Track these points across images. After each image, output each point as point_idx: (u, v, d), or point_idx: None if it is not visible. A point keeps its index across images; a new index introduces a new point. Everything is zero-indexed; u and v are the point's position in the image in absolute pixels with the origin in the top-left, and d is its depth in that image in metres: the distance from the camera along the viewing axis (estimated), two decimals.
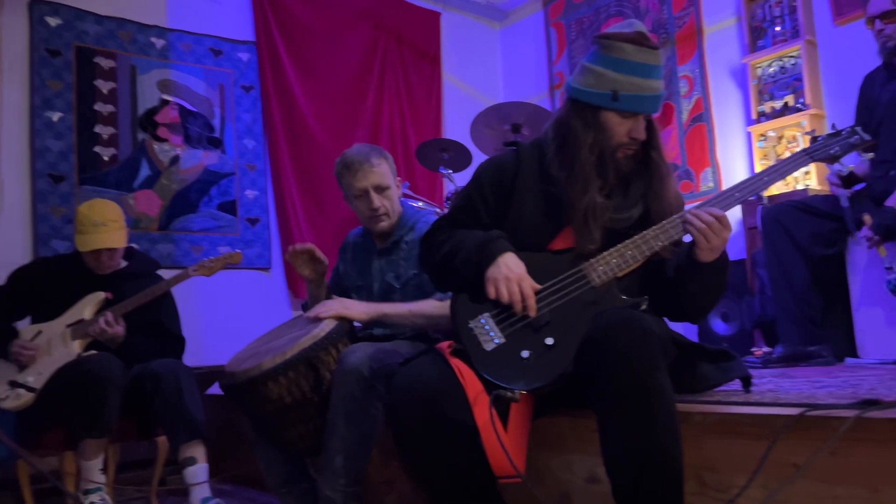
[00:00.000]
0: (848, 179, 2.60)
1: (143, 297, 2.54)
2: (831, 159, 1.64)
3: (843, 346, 2.69)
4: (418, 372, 1.51)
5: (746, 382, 1.67)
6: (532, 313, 1.52)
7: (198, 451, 2.36)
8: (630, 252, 1.55)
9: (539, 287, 1.55)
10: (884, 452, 1.16)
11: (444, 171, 3.28)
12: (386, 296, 2.12)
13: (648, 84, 1.57)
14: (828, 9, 3.69)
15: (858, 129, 1.66)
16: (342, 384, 1.83)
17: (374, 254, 2.20)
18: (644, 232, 1.57)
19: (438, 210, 3.43)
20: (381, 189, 2.11)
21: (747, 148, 4.07)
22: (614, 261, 1.55)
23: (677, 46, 4.58)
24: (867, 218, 2.47)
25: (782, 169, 1.62)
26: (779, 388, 1.72)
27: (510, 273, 1.54)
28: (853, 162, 2.49)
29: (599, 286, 1.54)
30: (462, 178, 3.56)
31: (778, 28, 3.96)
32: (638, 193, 1.64)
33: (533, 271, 1.56)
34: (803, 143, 3.74)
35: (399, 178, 2.22)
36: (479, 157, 3.48)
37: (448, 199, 3.52)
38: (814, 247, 2.66)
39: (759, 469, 1.26)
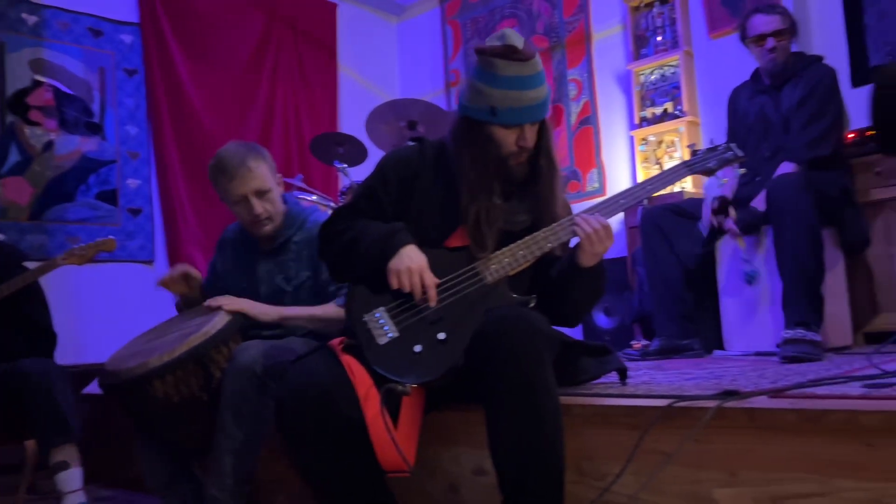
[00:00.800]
0: (722, 207, 2.75)
1: (5, 289, 2.37)
2: (708, 172, 1.77)
3: (711, 339, 2.90)
4: (308, 369, 1.51)
5: (622, 375, 1.78)
6: (433, 303, 1.55)
7: (70, 455, 2.23)
8: (522, 252, 1.61)
9: (438, 281, 1.59)
10: (741, 438, 1.27)
11: (338, 166, 3.26)
12: (275, 299, 2.06)
13: (524, 95, 1.58)
14: (703, 23, 3.94)
15: (733, 145, 1.81)
16: (233, 382, 1.79)
17: (259, 254, 2.13)
18: (535, 234, 1.63)
19: (333, 204, 3.40)
20: (261, 193, 2.02)
21: (630, 151, 4.29)
22: (507, 260, 1.61)
23: (567, 51, 4.75)
24: (732, 212, 2.67)
25: (664, 179, 1.73)
26: (652, 380, 1.84)
27: (412, 264, 1.56)
28: (726, 175, 2.66)
29: (492, 284, 1.59)
30: (357, 173, 3.56)
31: (659, 38, 4.19)
32: (529, 198, 1.70)
33: (430, 267, 1.59)
34: (681, 147, 3.99)
35: (279, 176, 2.13)
36: (374, 152, 3.49)
37: (343, 193, 3.50)
38: (687, 247, 2.85)
39: (632, 457, 1.35)
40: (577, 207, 4.56)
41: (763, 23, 2.78)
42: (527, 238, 1.63)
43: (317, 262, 2.03)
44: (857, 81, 3.46)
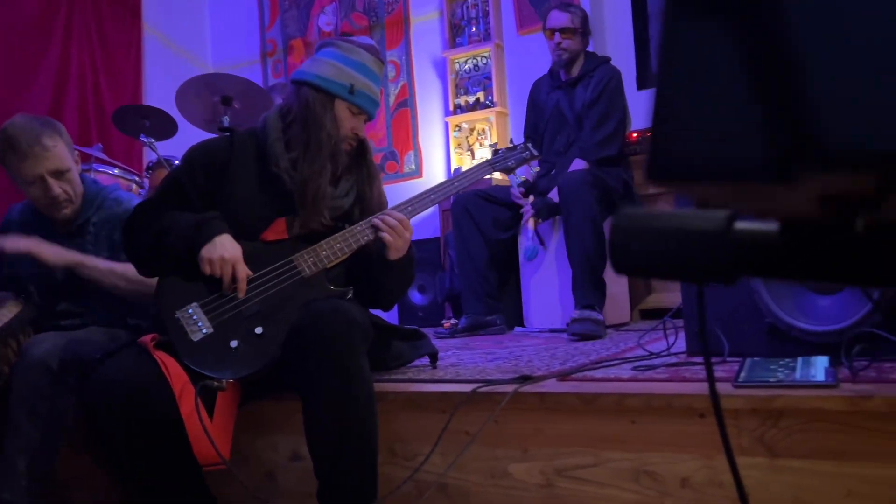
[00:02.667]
0: (529, 190, 3.01)
1: None
2: (508, 170, 1.94)
3: (513, 316, 3.16)
4: (120, 367, 1.46)
5: (433, 358, 1.91)
6: (241, 295, 1.56)
7: None
8: (339, 245, 1.67)
9: (252, 274, 1.59)
10: (532, 418, 1.44)
11: (145, 140, 3.07)
12: (73, 285, 1.93)
13: (376, 90, 1.75)
14: (513, 19, 4.18)
15: (529, 144, 1.98)
16: (25, 378, 1.68)
17: (55, 237, 1.97)
18: (352, 227, 1.69)
19: (137, 178, 3.20)
20: (59, 174, 1.89)
21: (445, 136, 4.47)
22: (324, 253, 1.65)
23: (386, 31, 4.81)
24: (532, 198, 2.94)
25: (470, 176, 1.87)
26: (459, 362, 1.99)
27: (226, 253, 1.56)
28: (524, 172, 2.90)
29: (309, 277, 1.63)
30: (165, 148, 3.37)
31: (474, 28, 4.38)
32: (348, 187, 1.76)
33: (246, 260, 1.60)
34: (490, 136, 4.23)
35: (77, 153, 2.00)
36: (185, 127, 3.32)
37: (149, 168, 3.31)
38: (492, 231, 3.07)
39: (441, 438, 1.48)
40: (395, 187, 4.66)
41: (554, 18, 3.04)
42: (344, 231, 1.69)
43: (116, 243, 1.94)
44: (641, 84, 3.88)
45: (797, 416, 1.20)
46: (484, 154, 4.23)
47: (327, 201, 1.66)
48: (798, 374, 1.27)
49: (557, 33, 3.01)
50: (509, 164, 1.94)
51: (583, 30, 3.05)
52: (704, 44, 0.28)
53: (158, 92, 4.70)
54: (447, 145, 4.42)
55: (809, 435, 1.19)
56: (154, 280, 1.64)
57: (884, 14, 0.24)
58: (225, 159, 1.70)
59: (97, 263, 1.89)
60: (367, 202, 1.77)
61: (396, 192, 4.65)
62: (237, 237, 1.62)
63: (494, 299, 3.08)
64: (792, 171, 0.26)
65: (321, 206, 1.64)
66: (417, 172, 4.64)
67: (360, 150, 1.77)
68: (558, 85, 3.13)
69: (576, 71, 3.06)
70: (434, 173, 4.56)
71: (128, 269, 1.86)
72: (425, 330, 3.39)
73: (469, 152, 4.29)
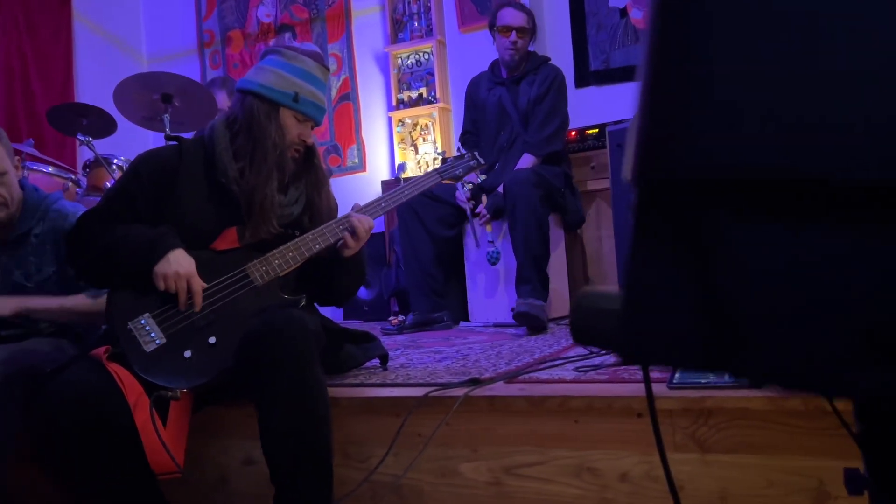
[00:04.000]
0: (476, 194, 3.06)
1: None
2: (456, 179, 2.00)
3: (459, 311, 3.23)
4: (75, 379, 1.46)
5: (384, 360, 1.96)
6: (197, 309, 1.58)
7: None
8: (291, 254, 1.70)
9: (206, 286, 1.61)
10: (482, 420, 1.51)
11: (82, 138, 2.99)
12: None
13: (321, 96, 1.78)
14: (455, 16, 4.22)
15: (476, 153, 2.05)
16: None
17: None
18: (304, 235, 1.72)
19: (73, 177, 3.12)
20: None
21: (388, 131, 4.49)
22: (276, 262, 1.68)
23: (327, 24, 4.78)
24: (484, 198, 3.00)
25: (419, 184, 1.92)
26: (409, 363, 2.05)
27: (180, 268, 1.57)
28: (471, 179, 2.95)
29: (262, 286, 1.66)
30: (104, 146, 3.29)
31: (416, 24, 4.40)
32: (297, 194, 1.78)
33: (198, 270, 1.61)
34: (434, 131, 4.27)
35: (17, 159, 1.96)
36: (123, 125, 3.25)
37: (87, 167, 3.23)
38: (438, 229, 3.13)
39: (395, 441, 1.53)
40: (339, 181, 4.65)
41: (511, 16, 3.09)
42: (297, 240, 1.72)
43: (62, 257, 1.91)
44: (579, 83, 3.99)
45: (725, 415, 1.31)
46: (427, 149, 4.28)
47: (276, 209, 1.68)
48: (726, 376, 1.38)
49: (514, 32, 3.06)
50: (457, 172, 2.00)
51: (533, 30, 3.14)
52: (662, 279, 0.36)
53: (90, 82, 4.57)
54: (391, 140, 4.44)
55: (736, 431, 1.30)
56: (102, 309, 1.62)
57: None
58: (173, 169, 1.70)
59: (47, 304, 1.86)
60: (317, 208, 1.80)
61: (340, 185, 4.66)
62: (188, 247, 1.63)
63: (440, 296, 3.15)
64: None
65: (270, 214, 1.66)
66: (361, 166, 4.65)
67: (308, 156, 1.80)
68: (500, 82, 3.20)
69: (520, 69, 3.14)
70: (378, 168, 4.58)
71: (78, 301, 1.85)
72: (372, 325, 3.45)
73: (413, 147, 4.33)
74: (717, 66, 0.35)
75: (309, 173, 1.80)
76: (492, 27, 3.16)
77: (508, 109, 3.15)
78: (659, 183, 0.36)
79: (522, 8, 3.16)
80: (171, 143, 1.79)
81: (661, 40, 0.36)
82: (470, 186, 2.96)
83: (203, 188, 1.71)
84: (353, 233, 1.73)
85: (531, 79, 3.13)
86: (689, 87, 0.35)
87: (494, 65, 3.27)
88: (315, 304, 1.88)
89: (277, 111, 1.71)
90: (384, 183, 4.20)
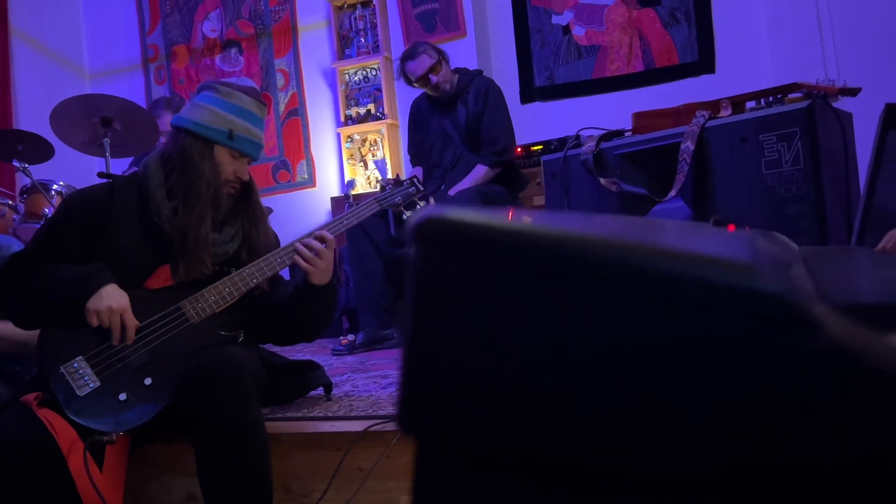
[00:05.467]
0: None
1: None
2: (395, 206, 2.00)
3: None
4: (5, 432, 1.43)
5: (328, 390, 1.96)
6: (129, 342, 1.56)
7: None
8: (228, 289, 1.68)
9: (138, 324, 1.59)
10: None
11: (18, 165, 2.92)
12: None
13: (257, 132, 1.76)
14: (400, 33, 4.24)
15: (415, 178, 2.05)
16: None
17: None
18: (241, 270, 1.71)
19: (10, 203, 3.05)
20: None
21: (338, 146, 4.48)
22: (212, 298, 1.67)
23: (274, 39, 4.75)
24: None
25: (359, 212, 1.92)
26: (353, 391, 2.05)
27: (112, 303, 1.54)
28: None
29: (198, 323, 1.65)
30: (41, 172, 3.22)
31: (363, 40, 4.41)
32: (233, 231, 1.77)
33: (132, 309, 1.59)
34: (383, 147, 4.28)
35: None
36: (62, 147, 3.18)
37: (24, 192, 3.15)
38: (387, 247, 3.14)
39: (335, 475, 1.54)
40: (289, 197, 4.61)
41: (415, 67, 3.09)
42: (233, 275, 1.71)
43: None
44: (524, 99, 4.05)
45: None
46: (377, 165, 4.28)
47: (209, 248, 1.67)
48: None
49: (430, 76, 3.06)
50: (396, 200, 2.01)
51: (441, 56, 3.11)
52: None
53: (29, 99, 4.45)
54: (340, 156, 4.43)
55: None
56: (33, 336, 1.60)
57: None
58: (104, 207, 1.68)
59: None
60: (255, 244, 1.79)
61: (290, 201, 4.63)
62: (122, 286, 1.61)
63: (390, 313, 3.15)
64: None
65: (203, 253, 1.65)
66: (311, 182, 4.63)
67: (246, 192, 1.79)
68: (437, 105, 3.21)
69: (452, 90, 3.15)
70: (328, 183, 4.57)
71: (8, 328, 1.81)
72: (323, 343, 3.43)
73: (362, 163, 4.33)
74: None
75: (246, 210, 1.79)
76: (410, 83, 3.16)
77: (450, 131, 3.18)
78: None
79: (416, 51, 3.12)
80: (103, 181, 1.77)
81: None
82: (409, 214, 2.96)
83: (136, 227, 1.69)
84: (309, 258, 1.71)
85: (465, 97, 3.15)
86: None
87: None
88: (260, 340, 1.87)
89: (212, 149, 1.70)
90: (333, 200, 4.19)
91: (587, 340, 0.36)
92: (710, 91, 3.17)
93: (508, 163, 3.12)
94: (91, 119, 2.95)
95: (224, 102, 1.72)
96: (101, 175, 1.80)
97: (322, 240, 1.73)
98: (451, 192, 3.09)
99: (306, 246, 1.72)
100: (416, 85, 3.13)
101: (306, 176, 4.67)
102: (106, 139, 2.93)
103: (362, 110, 4.34)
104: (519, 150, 3.59)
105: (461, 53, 3.94)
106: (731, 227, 0.63)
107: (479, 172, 3.04)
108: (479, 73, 3.24)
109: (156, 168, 1.72)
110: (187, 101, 1.81)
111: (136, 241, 1.68)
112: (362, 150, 4.32)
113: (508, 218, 0.44)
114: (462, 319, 0.40)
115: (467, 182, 3.07)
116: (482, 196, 2.87)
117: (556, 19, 4.03)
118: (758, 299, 0.33)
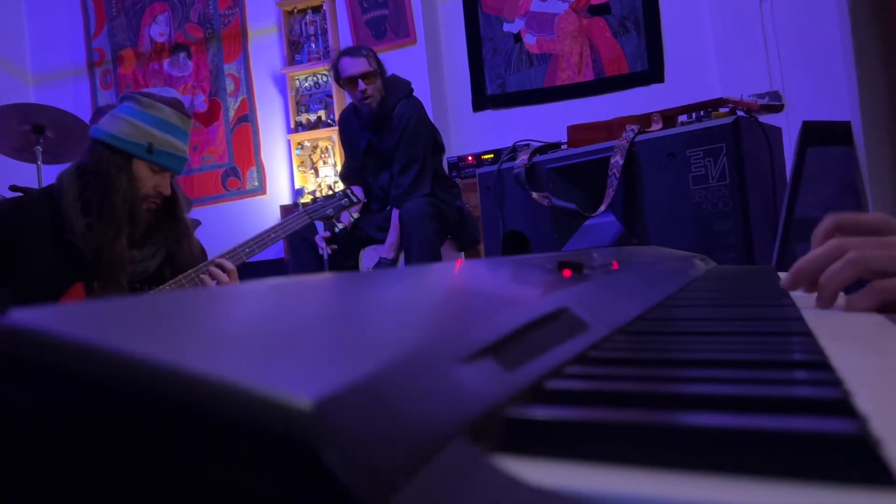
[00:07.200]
0: (338, 237, 2.95)
1: None
2: (327, 219, 1.96)
3: None
4: None
5: None
6: None
7: None
8: None
9: None
10: None
11: None
12: None
13: (180, 145, 1.69)
14: (350, 39, 4.19)
15: (350, 190, 2.01)
16: None
17: None
18: (161, 286, 1.66)
19: None
20: None
21: (288, 153, 4.41)
22: None
23: (223, 43, 4.66)
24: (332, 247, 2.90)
25: (287, 226, 1.87)
26: None
27: None
28: (344, 220, 2.88)
29: None
30: None
31: (313, 45, 4.35)
32: (156, 247, 1.71)
33: None
34: (334, 154, 4.23)
35: None
36: None
37: None
38: (333, 258, 3.09)
39: None
40: (239, 204, 4.52)
41: (350, 65, 2.84)
42: (153, 291, 1.65)
43: None
44: (476, 107, 4.03)
45: None
46: (328, 172, 4.23)
47: (125, 265, 1.61)
48: None
49: (359, 80, 2.82)
50: (327, 212, 1.96)
51: (380, 69, 2.89)
52: None
53: None
54: (290, 163, 4.36)
55: None
56: None
57: None
58: (12, 223, 1.61)
59: None
60: (180, 260, 1.73)
61: (241, 208, 4.55)
62: (33, 305, 1.54)
63: None
64: None
65: (119, 271, 1.59)
66: (261, 189, 4.55)
67: (169, 207, 1.73)
68: (365, 123, 3.00)
69: (376, 108, 2.92)
70: (279, 190, 4.49)
71: None
72: None
73: (313, 170, 4.26)
74: None
75: (169, 225, 1.73)
76: (338, 82, 2.94)
77: (381, 151, 3.03)
78: None
79: (358, 51, 2.90)
80: (14, 195, 1.69)
81: None
82: (341, 227, 2.92)
83: (49, 243, 1.62)
84: (217, 281, 1.68)
85: (388, 124, 2.94)
86: None
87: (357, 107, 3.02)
88: None
89: (129, 162, 1.64)
90: (283, 208, 4.12)
91: None
92: (659, 101, 3.19)
93: (446, 183, 3.04)
94: (22, 127, 2.85)
95: (144, 114, 1.66)
96: (12, 188, 1.72)
97: (222, 268, 1.69)
98: (384, 248, 2.96)
99: (209, 275, 1.69)
100: (341, 83, 2.91)
101: (256, 183, 4.59)
102: (37, 147, 2.83)
103: (313, 117, 4.28)
104: (470, 158, 3.57)
105: (412, 61, 3.90)
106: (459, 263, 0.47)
107: (396, 221, 2.86)
108: (406, 94, 2.98)
109: (71, 182, 1.65)
110: (107, 113, 1.74)
111: (48, 257, 1.61)
112: (313, 157, 4.26)
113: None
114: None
115: (393, 235, 2.89)
116: (435, 209, 2.84)
117: (507, 27, 4.02)
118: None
